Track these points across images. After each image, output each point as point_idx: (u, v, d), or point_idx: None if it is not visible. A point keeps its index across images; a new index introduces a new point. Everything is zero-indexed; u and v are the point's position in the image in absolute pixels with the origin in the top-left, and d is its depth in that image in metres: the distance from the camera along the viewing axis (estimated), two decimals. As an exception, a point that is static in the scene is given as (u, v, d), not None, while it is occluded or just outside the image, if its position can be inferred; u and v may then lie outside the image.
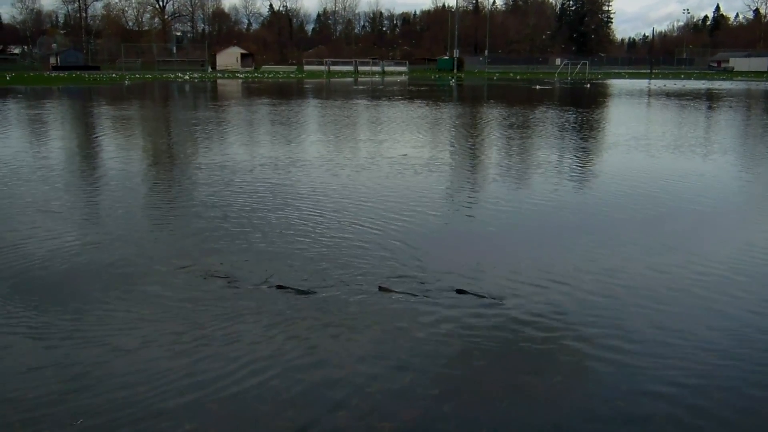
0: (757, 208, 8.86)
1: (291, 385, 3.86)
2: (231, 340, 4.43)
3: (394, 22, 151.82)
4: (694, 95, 37.62)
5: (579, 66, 77.40)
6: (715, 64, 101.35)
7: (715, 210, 8.58)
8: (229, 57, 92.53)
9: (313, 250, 6.49)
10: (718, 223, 7.96)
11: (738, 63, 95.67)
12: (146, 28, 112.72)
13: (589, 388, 3.89)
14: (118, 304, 5.08)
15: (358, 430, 3.46)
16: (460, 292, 5.11)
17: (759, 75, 78.28)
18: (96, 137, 16.74)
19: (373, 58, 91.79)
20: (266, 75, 68.67)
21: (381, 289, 5.25)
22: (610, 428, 3.49)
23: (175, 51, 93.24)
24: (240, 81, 56.09)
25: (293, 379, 3.94)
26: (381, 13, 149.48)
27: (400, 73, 79.96)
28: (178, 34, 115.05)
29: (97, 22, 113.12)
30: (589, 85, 50.62)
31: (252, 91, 39.53)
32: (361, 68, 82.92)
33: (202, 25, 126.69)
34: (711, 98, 35.31)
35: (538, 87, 45.89)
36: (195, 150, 14.20)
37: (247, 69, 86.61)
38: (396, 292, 5.18)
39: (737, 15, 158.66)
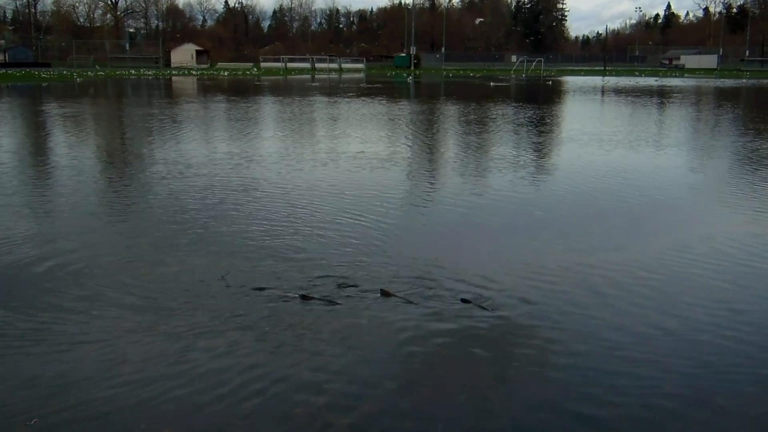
0: (712, 201, 9.04)
1: (247, 382, 3.81)
2: (185, 337, 4.35)
3: (351, 19, 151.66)
4: (646, 92, 38.31)
5: (534, 63, 78.25)
6: (667, 62, 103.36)
7: (668, 203, 8.74)
8: (183, 54, 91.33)
9: (267, 245, 6.42)
10: (674, 216, 8.10)
11: (689, 60, 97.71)
12: (98, 24, 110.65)
13: (546, 385, 3.91)
14: (75, 304, 4.95)
15: (315, 425, 3.42)
16: (464, 301, 4.88)
17: (709, 72, 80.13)
18: (46, 136, 16.34)
19: (330, 55, 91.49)
20: (222, 72, 67.96)
21: (384, 293, 5.05)
22: (565, 423, 3.50)
23: (128, 48, 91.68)
24: (195, 78, 55.37)
25: (247, 375, 3.89)
26: (338, 9, 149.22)
27: (357, 70, 79.86)
28: (131, 30, 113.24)
29: (47, 18, 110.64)
30: (550, 82, 51.20)
31: (208, 88, 39.06)
32: (318, 65, 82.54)
33: (156, 22, 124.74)
34: (663, 95, 35.99)
35: (492, 84, 46.24)
36: (149, 148, 13.95)
37: (203, 66, 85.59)
38: (395, 295, 5.01)
39: (687, 13, 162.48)
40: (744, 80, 57.64)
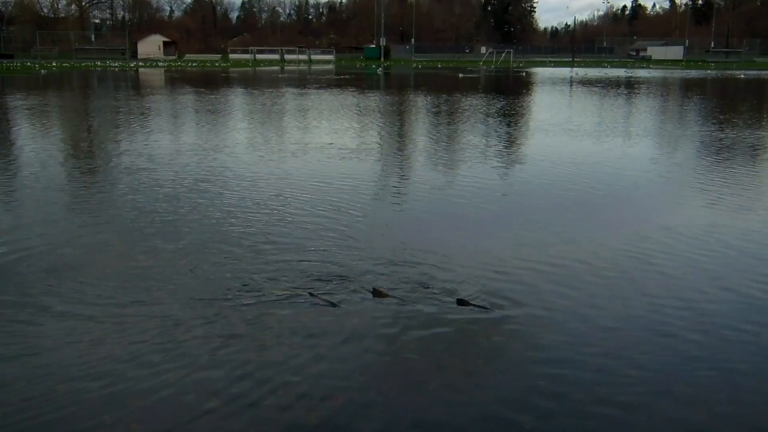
0: (678, 191, 9.16)
1: (212, 374, 3.78)
2: (151, 331, 4.31)
3: (321, 10, 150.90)
4: (614, 83, 38.68)
5: (504, 54, 78.55)
6: (634, 53, 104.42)
7: (636, 193, 8.85)
8: (150, 45, 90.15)
9: (236, 237, 6.38)
10: (641, 207, 8.19)
11: (655, 52, 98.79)
12: (63, 15, 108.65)
13: (515, 373, 3.93)
14: (39, 299, 4.87)
15: (282, 420, 3.41)
16: (461, 303, 4.71)
17: (675, 63, 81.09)
18: (9, 128, 16.03)
19: (299, 47, 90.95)
20: (190, 64, 67.23)
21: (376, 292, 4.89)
22: (534, 411, 3.53)
23: (93, 39, 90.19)
24: (163, 70, 54.72)
25: (214, 370, 3.86)
26: (307, 1, 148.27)
27: (327, 62, 79.50)
28: (97, 21, 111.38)
29: (10, 8, 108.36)
30: (524, 74, 51.41)
31: (175, 80, 38.63)
32: (287, 57, 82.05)
33: (122, 13, 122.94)
34: (630, 86, 36.37)
35: (461, 75, 46.34)
36: (115, 140, 13.75)
37: (170, 58, 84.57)
38: (391, 295, 4.86)
39: (654, 5, 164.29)
40: (709, 71, 58.44)
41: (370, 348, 4.15)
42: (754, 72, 57.11)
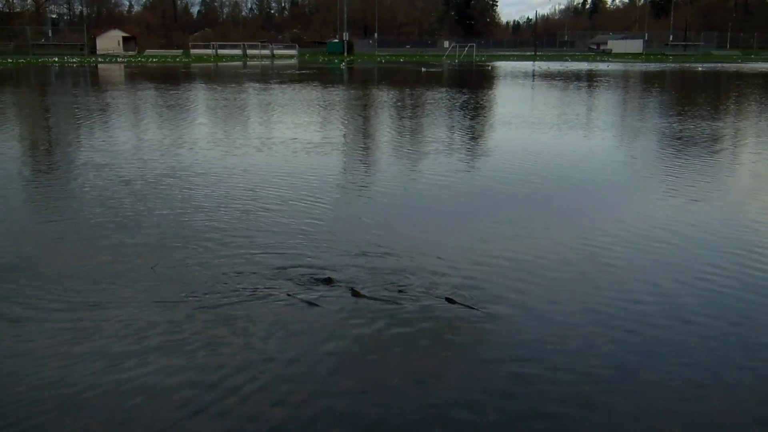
0: (637, 183, 9.29)
1: (176, 372, 3.75)
2: (110, 330, 4.25)
3: (283, 4, 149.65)
4: (576, 76, 39.08)
5: (467, 49, 78.80)
6: (595, 47, 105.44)
7: (597, 185, 8.97)
8: (110, 41, 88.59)
9: (200, 233, 6.32)
10: (602, 198, 8.30)
11: (615, 45, 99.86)
12: (18, 9, 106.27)
13: (478, 364, 3.96)
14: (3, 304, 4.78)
15: (247, 414, 3.39)
16: (449, 301, 4.65)
17: (635, 56, 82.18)
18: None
19: (261, 42, 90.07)
20: (150, 59, 66.28)
21: (354, 293, 4.82)
22: (498, 400, 3.56)
23: (51, 34, 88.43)
24: (123, 66, 53.86)
25: (177, 366, 3.83)
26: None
27: (290, 57, 78.96)
28: (54, 16, 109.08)
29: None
30: (490, 67, 51.59)
31: (136, 76, 38.05)
32: (249, 52, 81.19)
33: (80, 7, 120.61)
34: (591, 79, 36.79)
35: (424, 69, 46.42)
36: (75, 136, 13.52)
37: (130, 53, 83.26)
38: (366, 296, 4.79)
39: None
40: (668, 64, 59.35)
41: (336, 345, 4.15)
42: (712, 64, 58.17)
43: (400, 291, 4.88)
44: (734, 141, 13.15)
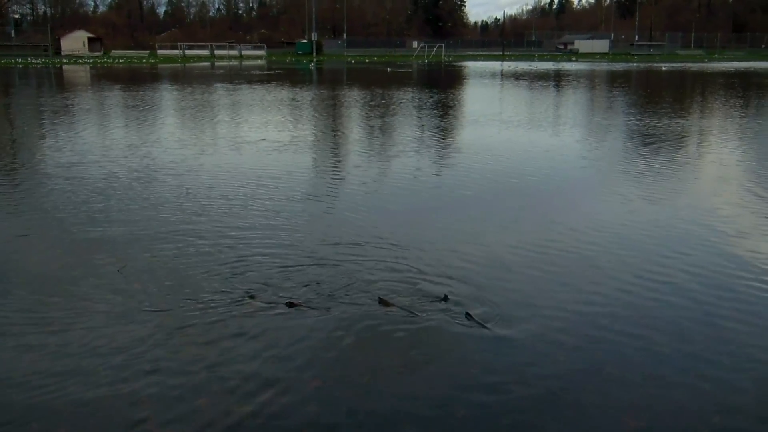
0: (604, 180, 9.41)
1: (138, 372, 3.73)
2: (77, 333, 4.21)
3: (251, 4, 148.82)
4: (543, 76, 39.42)
5: (435, 49, 79.08)
6: (562, 46, 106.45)
7: (565, 183, 9.07)
8: (75, 41, 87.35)
9: (166, 235, 6.27)
10: (570, 196, 8.39)
11: (582, 45, 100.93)
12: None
13: (449, 361, 3.99)
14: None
15: (217, 413, 3.38)
16: (468, 317, 4.43)
17: (601, 56, 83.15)
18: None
19: (229, 42, 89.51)
20: (116, 60, 65.51)
21: (381, 301, 4.68)
22: (469, 396, 3.60)
23: (13, 35, 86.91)
24: (88, 67, 53.18)
25: (140, 368, 3.80)
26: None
27: (258, 57, 78.56)
28: (17, 16, 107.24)
29: None
30: (459, 67, 51.75)
31: (102, 78, 37.60)
32: (217, 52, 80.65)
33: (44, 7, 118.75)
34: (559, 78, 37.14)
35: (389, 70, 46.53)
36: (40, 139, 13.32)
37: (96, 54, 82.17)
38: (395, 305, 4.63)
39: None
40: (633, 64, 60.13)
41: (314, 349, 4.16)
42: (676, 64, 59.06)
43: (467, 316, 4.51)
44: (691, 138, 13.38)
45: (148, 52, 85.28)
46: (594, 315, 4.58)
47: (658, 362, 3.94)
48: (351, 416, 3.38)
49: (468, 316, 4.45)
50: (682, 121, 15.78)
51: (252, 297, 4.78)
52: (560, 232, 6.49)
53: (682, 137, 13.25)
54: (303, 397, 3.54)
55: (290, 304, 4.64)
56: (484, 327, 4.31)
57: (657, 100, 23.39)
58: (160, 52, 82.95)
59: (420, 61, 65.55)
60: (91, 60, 66.74)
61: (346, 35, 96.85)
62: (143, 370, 3.79)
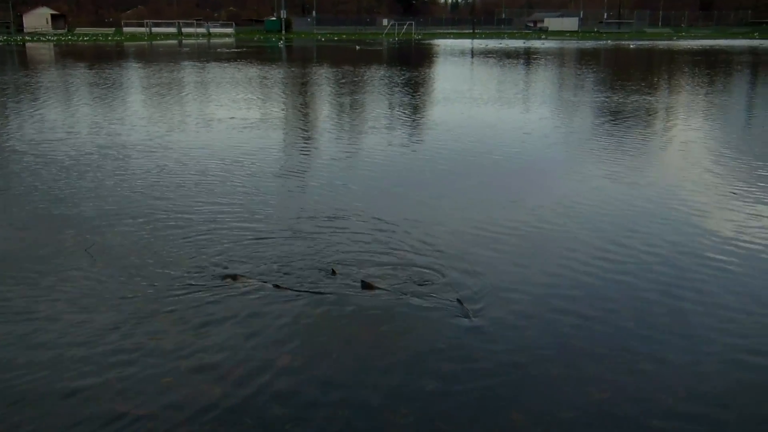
0: (576, 156, 9.49)
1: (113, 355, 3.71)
2: (40, 314, 4.17)
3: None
4: (514, 54, 39.47)
5: (405, 26, 78.76)
6: (532, 24, 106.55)
7: (537, 159, 9.14)
8: (38, 18, 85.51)
9: (136, 213, 6.22)
10: (543, 172, 8.46)
11: (552, 23, 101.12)
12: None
13: (418, 336, 4.03)
14: None
15: (186, 393, 3.38)
16: (459, 302, 4.33)
17: (572, 34, 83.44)
18: None
19: (197, 20, 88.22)
20: (81, 38, 64.29)
21: (365, 285, 4.62)
22: (438, 369, 3.64)
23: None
24: (52, 44, 52.12)
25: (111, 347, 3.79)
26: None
27: (226, 35, 77.60)
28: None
29: None
30: (430, 45, 51.55)
31: (67, 56, 36.90)
32: (185, 30, 79.49)
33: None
34: (529, 56, 37.22)
35: (358, 48, 46.25)
36: (5, 119, 13.06)
37: (59, 31, 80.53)
38: (381, 288, 4.59)
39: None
40: (602, 42, 60.42)
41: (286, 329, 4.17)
42: (643, 42, 59.49)
43: (458, 301, 4.40)
44: (656, 115, 13.53)
45: (113, 29, 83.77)
46: (559, 292, 4.64)
47: (622, 336, 4.01)
48: (322, 390, 3.40)
49: (459, 302, 4.37)
50: (649, 98, 15.94)
51: (233, 278, 4.75)
52: (524, 209, 6.55)
53: (647, 114, 13.40)
54: (274, 373, 3.55)
55: (276, 287, 4.61)
56: (467, 317, 4.21)
57: (625, 77, 23.57)
58: (125, 29, 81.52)
59: (390, 39, 65.25)
60: (55, 37, 65.42)
61: (316, 13, 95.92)
62: (112, 352, 3.77)
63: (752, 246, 5.52)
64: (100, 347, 3.78)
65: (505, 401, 3.35)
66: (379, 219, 6.14)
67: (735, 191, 7.28)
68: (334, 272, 4.80)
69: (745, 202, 6.84)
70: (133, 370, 3.57)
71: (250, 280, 4.67)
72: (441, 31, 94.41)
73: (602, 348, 3.86)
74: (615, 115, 13.12)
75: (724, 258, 5.26)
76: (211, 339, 3.89)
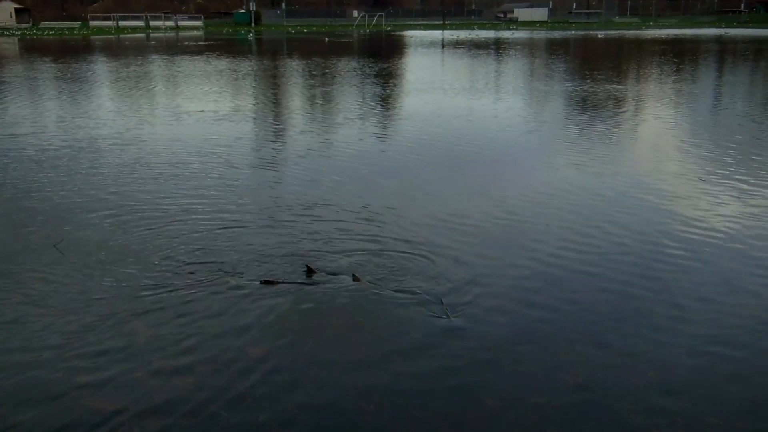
0: (548, 145, 9.56)
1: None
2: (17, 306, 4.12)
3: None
4: (484, 44, 39.59)
5: (375, 18, 78.65)
6: (502, 15, 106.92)
7: (509, 149, 9.18)
8: (1, 13, 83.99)
9: (104, 208, 6.15)
10: (516, 161, 8.50)
11: (522, 13, 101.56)
12: None
13: (389, 326, 4.04)
14: None
15: (159, 387, 3.36)
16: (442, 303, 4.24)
17: (541, 24, 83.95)
18: None
19: (165, 13, 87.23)
20: (46, 32, 63.26)
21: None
22: (411, 359, 3.65)
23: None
24: (16, 39, 51.21)
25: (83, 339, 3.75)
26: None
27: (195, 28, 76.88)
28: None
29: None
30: (400, 36, 51.46)
31: (33, 50, 36.27)
32: (153, 23, 78.57)
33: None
34: (499, 47, 37.35)
35: (327, 39, 46.08)
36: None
37: (24, 26, 79.15)
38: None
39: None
40: (572, 32, 60.85)
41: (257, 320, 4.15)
42: (612, 32, 60.00)
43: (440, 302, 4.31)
44: (623, 103, 13.67)
45: (79, 23, 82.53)
46: (528, 281, 4.68)
47: (592, 323, 4.06)
48: (294, 380, 3.40)
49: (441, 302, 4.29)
50: (617, 87, 16.09)
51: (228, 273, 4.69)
52: (493, 200, 6.58)
53: (615, 102, 13.52)
54: (248, 366, 3.54)
55: (267, 282, 4.56)
56: (447, 314, 4.14)
57: (593, 67, 23.76)
58: (92, 23, 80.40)
59: (360, 31, 65.07)
60: (19, 32, 64.29)
61: (285, 5, 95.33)
62: (82, 353, 3.73)
63: (717, 234, 5.61)
64: (68, 349, 3.74)
65: (478, 389, 3.37)
66: (345, 210, 6.14)
67: (702, 178, 7.38)
68: (310, 270, 4.71)
69: (712, 189, 6.95)
70: (105, 367, 3.53)
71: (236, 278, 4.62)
72: (411, 22, 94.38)
73: (574, 334, 3.90)
74: (584, 104, 13.23)
75: (689, 247, 5.34)
76: (182, 332, 3.86)
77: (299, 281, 4.55)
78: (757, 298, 4.35)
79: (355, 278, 4.60)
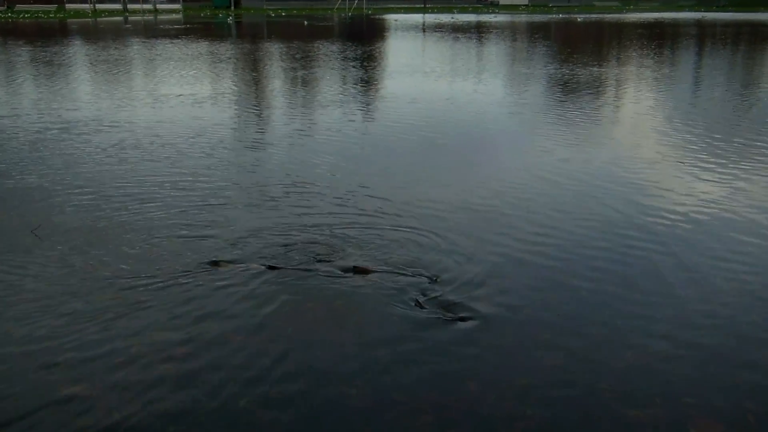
0: (529, 128, 9.59)
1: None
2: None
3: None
4: (465, 28, 39.51)
5: (356, 1, 78.17)
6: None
7: (491, 132, 9.20)
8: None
9: (80, 193, 6.10)
10: (500, 145, 8.53)
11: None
12: None
13: (371, 312, 4.05)
14: None
15: (136, 374, 3.35)
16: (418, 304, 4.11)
17: (523, 8, 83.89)
18: None
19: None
20: (22, 15, 62.28)
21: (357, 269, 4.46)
22: (391, 343, 3.67)
23: None
24: (-9, 22, 50.34)
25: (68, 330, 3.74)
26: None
27: (174, 11, 76.03)
28: None
29: None
30: (396, 20, 51.18)
31: (9, 33, 35.68)
32: (130, 6, 77.58)
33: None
34: (480, 30, 37.30)
35: (306, 23, 45.79)
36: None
37: (-1, 9, 77.85)
38: (375, 270, 4.47)
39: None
40: (552, 15, 60.84)
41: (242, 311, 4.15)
42: (592, 15, 60.08)
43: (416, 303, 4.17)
44: (602, 87, 13.74)
45: (55, 6, 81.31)
46: (506, 262, 4.71)
47: (572, 304, 4.09)
48: (276, 364, 3.40)
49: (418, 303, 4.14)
50: (597, 70, 16.15)
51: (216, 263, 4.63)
52: (473, 183, 6.60)
53: (594, 85, 13.57)
54: (230, 349, 3.54)
55: (271, 267, 4.51)
56: (421, 305, 4.07)
57: (574, 50, 23.81)
58: (68, 6, 79.23)
59: (341, 14, 64.70)
60: (-6, 15, 63.20)
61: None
62: (63, 342, 3.71)
63: (695, 217, 5.67)
64: (46, 341, 3.72)
65: (460, 373, 3.39)
66: (319, 193, 6.14)
67: (682, 162, 7.45)
68: (362, 270, 4.52)
69: (690, 174, 7.01)
70: (84, 352, 3.52)
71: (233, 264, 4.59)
72: (392, 5, 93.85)
73: (552, 316, 3.94)
74: (564, 87, 13.26)
75: (667, 228, 5.40)
76: (165, 317, 3.86)
77: (291, 267, 4.54)
78: (741, 278, 4.41)
79: (359, 270, 4.50)
